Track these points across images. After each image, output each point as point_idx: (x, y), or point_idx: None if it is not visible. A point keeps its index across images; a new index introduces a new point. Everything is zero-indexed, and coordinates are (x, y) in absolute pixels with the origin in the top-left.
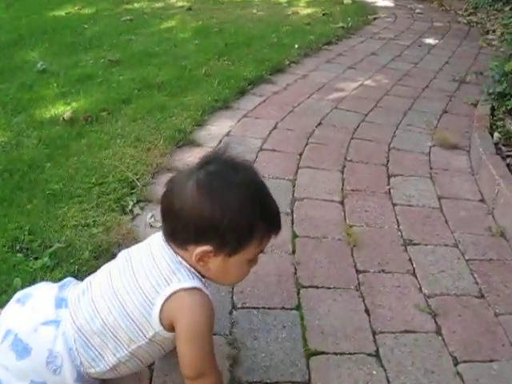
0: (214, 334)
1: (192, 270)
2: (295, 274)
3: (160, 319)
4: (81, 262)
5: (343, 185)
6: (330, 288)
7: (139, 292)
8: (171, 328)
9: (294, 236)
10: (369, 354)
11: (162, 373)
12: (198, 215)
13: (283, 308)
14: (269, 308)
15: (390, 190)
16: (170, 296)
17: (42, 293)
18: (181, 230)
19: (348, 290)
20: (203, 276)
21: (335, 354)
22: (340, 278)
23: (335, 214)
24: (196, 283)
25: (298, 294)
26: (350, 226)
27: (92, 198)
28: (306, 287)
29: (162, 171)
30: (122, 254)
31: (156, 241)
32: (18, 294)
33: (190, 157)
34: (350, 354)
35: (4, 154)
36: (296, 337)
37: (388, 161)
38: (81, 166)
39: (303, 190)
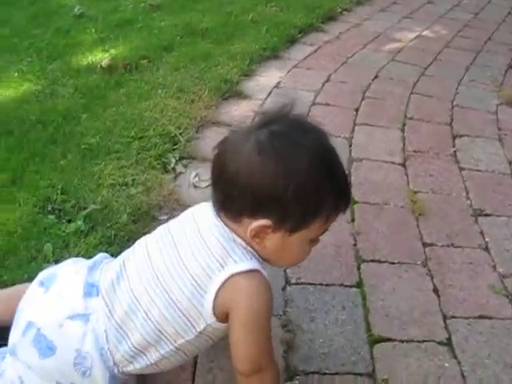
0: None
1: (248, 248)
2: (355, 245)
3: (213, 309)
4: (118, 226)
5: (404, 145)
6: (393, 263)
7: (187, 277)
8: (224, 318)
9: (353, 202)
10: (440, 343)
11: (207, 359)
12: (257, 182)
13: (342, 285)
14: (326, 284)
15: (455, 152)
16: (225, 282)
17: (69, 275)
18: (235, 199)
19: (414, 265)
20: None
21: (402, 341)
22: (405, 251)
23: (397, 178)
24: (254, 264)
25: (359, 268)
26: (415, 192)
27: (131, 154)
28: (367, 261)
29: (207, 125)
30: (161, 229)
31: (202, 212)
32: (42, 275)
33: (237, 110)
34: (418, 341)
35: (38, 103)
36: (358, 319)
37: (452, 119)
38: (119, 118)
39: (361, 150)
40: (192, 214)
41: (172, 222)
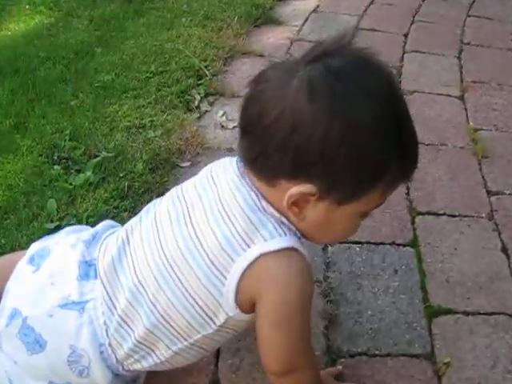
0: None
1: (283, 219)
2: (407, 194)
3: (236, 298)
4: (132, 176)
5: (462, 75)
6: (454, 216)
7: (204, 259)
8: (250, 307)
9: None
10: None
11: (234, 338)
12: (303, 135)
13: (394, 243)
14: (375, 243)
15: None
16: (250, 265)
17: (64, 250)
18: (271, 155)
19: (479, 218)
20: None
21: (466, 313)
22: (467, 201)
23: (455, 113)
24: (290, 241)
25: (413, 223)
26: (475, 130)
27: (150, 92)
28: (422, 214)
29: (237, 56)
30: (174, 193)
31: (224, 171)
32: (33, 248)
33: (271, 38)
34: (486, 313)
35: (49, 38)
36: (413, 286)
37: None
38: (138, 52)
39: (412, 81)
40: (211, 173)
41: (187, 184)
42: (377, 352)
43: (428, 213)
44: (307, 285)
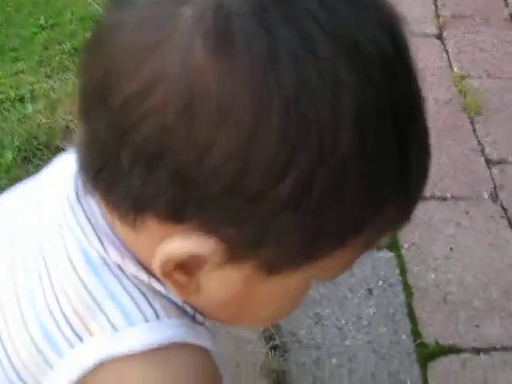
0: None
1: (161, 289)
2: None
3: None
4: None
5: (437, 8)
6: (445, 199)
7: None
8: None
9: None
10: None
11: None
12: (200, 125)
13: None
14: None
15: None
16: (88, 375)
17: None
18: (131, 169)
19: (480, 201)
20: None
21: (476, 350)
22: (461, 177)
23: (433, 57)
24: (171, 330)
25: None
26: (462, 78)
27: (34, 52)
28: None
29: None
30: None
31: (58, 192)
32: None
33: None
34: (505, 348)
35: None
36: (396, 313)
37: None
38: (26, 1)
39: None
40: (41, 192)
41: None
42: None
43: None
44: None
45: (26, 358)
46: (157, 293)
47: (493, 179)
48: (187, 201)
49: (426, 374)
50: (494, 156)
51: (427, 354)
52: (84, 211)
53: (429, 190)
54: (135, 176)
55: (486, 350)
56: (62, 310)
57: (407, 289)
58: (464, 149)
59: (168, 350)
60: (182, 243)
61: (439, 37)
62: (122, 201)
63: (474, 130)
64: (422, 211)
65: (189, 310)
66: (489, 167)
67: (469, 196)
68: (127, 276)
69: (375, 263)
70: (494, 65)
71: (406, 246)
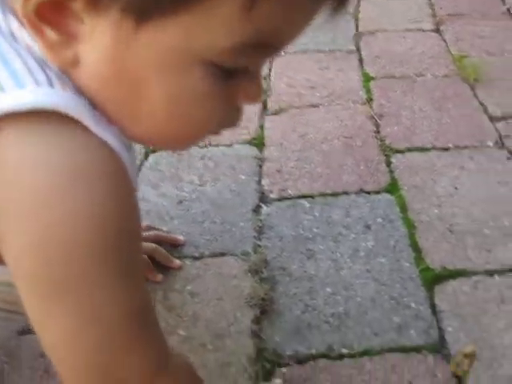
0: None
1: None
2: (377, 132)
3: None
4: None
5: (434, 10)
6: (447, 149)
7: None
8: None
9: (368, 78)
10: None
11: None
12: None
13: (362, 191)
14: (333, 194)
15: (509, 9)
16: None
17: None
18: None
19: (484, 148)
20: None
21: (489, 272)
22: (463, 131)
23: (431, 45)
24: (72, 102)
25: (389, 164)
26: (461, 57)
27: None
28: (401, 151)
29: None
30: None
31: None
32: None
33: None
34: None
35: None
36: (397, 245)
37: None
38: None
39: (372, 23)
40: None
41: None
42: (345, 351)
43: (409, 149)
44: (117, 194)
45: None
46: (56, 72)
47: (497, 130)
48: None
49: (433, 296)
50: (498, 113)
51: (433, 278)
52: None
53: (429, 143)
54: None
55: (501, 272)
56: None
57: (408, 223)
58: (466, 110)
59: (58, 120)
60: None
61: (436, 31)
62: None
63: (476, 95)
64: (423, 159)
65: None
66: (493, 123)
67: (473, 145)
68: (23, 46)
69: (373, 204)
70: (495, 46)
71: (406, 188)
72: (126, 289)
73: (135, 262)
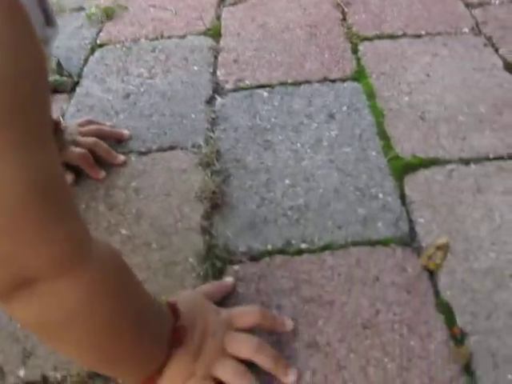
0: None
1: None
2: (343, 20)
3: None
4: None
5: None
6: (419, 36)
7: None
8: None
9: None
10: None
11: None
12: None
13: (326, 80)
14: (294, 83)
15: None
16: None
17: None
18: None
19: (459, 35)
20: None
21: (464, 161)
22: (437, 17)
23: None
24: None
25: (356, 51)
26: None
27: None
28: (369, 39)
29: None
30: None
31: None
32: None
33: None
34: (499, 158)
35: None
36: (363, 133)
37: None
38: None
39: None
40: None
41: None
42: (304, 246)
43: (378, 37)
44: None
45: None
46: None
47: (474, 17)
48: None
49: (402, 186)
50: (475, 0)
51: (403, 167)
52: None
53: (399, 29)
54: None
55: (477, 160)
56: None
57: (376, 111)
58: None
59: None
60: None
61: None
62: None
63: None
64: (393, 46)
65: None
66: (468, 9)
67: (447, 31)
68: None
69: (338, 93)
70: None
71: (374, 76)
72: (26, 163)
73: (38, 127)
